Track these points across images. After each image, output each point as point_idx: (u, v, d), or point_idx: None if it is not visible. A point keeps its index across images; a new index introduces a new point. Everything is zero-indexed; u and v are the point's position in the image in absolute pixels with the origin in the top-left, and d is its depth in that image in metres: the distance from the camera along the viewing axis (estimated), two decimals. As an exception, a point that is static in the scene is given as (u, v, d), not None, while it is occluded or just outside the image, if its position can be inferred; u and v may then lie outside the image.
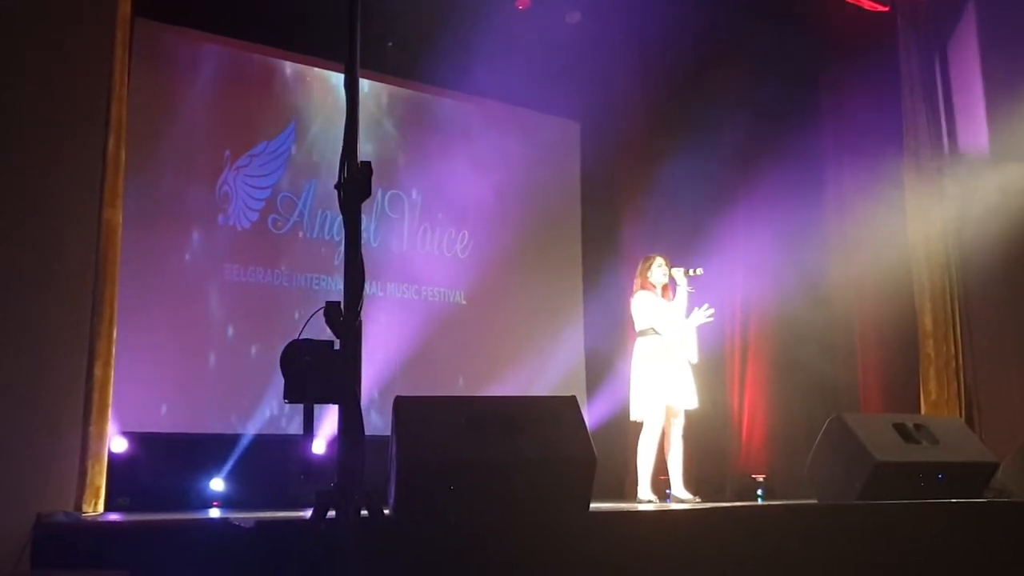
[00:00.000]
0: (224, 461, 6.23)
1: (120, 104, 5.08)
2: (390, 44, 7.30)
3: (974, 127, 6.29)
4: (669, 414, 5.80)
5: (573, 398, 3.71)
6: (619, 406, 6.11)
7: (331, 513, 2.40)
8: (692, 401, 5.85)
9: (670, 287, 5.98)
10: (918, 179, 6.42)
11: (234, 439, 6.34)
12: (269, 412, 6.56)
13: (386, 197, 7.46)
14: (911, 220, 6.43)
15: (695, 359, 5.88)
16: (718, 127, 7.71)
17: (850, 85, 7.16)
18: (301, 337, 2.56)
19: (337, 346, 2.49)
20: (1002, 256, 6.11)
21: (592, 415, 7.29)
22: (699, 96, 7.78)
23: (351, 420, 2.42)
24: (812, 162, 7.26)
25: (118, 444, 5.83)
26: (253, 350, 6.59)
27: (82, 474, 4.58)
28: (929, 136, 6.43)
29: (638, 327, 5.93)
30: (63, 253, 4.23)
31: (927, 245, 6.34)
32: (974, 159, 6.27)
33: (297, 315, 6.75)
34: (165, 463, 6.01)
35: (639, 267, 6.05)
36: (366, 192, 2.50)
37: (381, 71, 7.44)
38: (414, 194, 7.65)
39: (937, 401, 6.14)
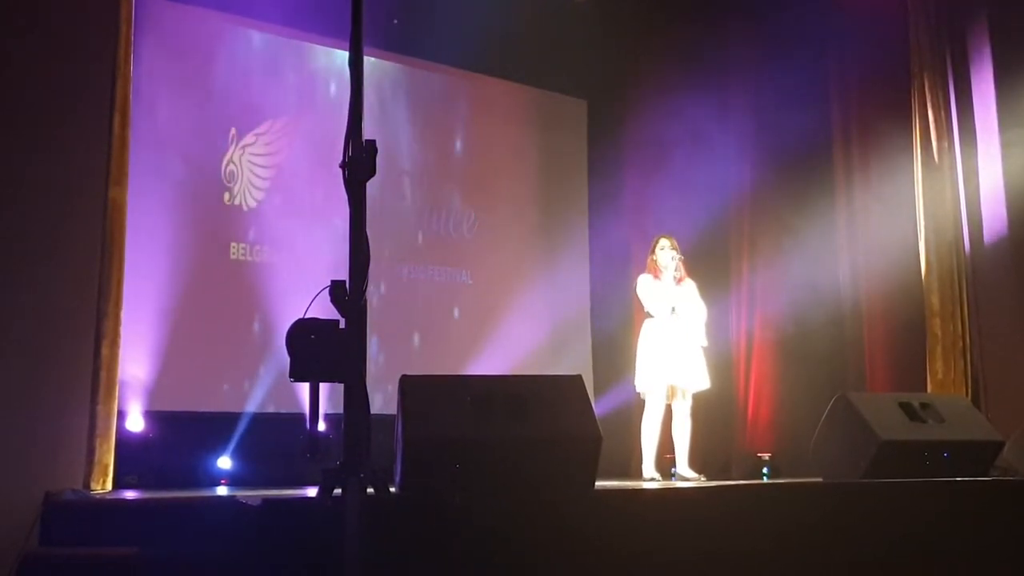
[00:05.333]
0: (231, 440, 6.26)
1: (125, 82, 5.08)
2: (395, 21, 7.27)
3: (984, 104, 6.23)
4: (673, 394, 5.83)
5: (579, 377, 3.71)
6: (625, 385, 6.13)
7: (337, 491, 2.41)
8: (702, 382, 5.88)
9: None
10: (927, 157, 6.37)
11: (241, 418, 6.37)
12: (276, 391, 6.57)
13: (391, 176, 7.43)
14: (919, 198, 6.39)
15: (704, 342, 5.91)
16: (726, 104, 7.66)
17: (859, 61, 7.09)
18: (306, 316, 2.56)
19: (342, 325, 2.49)
20: (1011, 235, 6.07)
21: (598, 394, 7.31)
22: (706, 72, 7.73)
23: (356, 398, 2.43)
24: (819, 139, 7.20)
25: (134, 423, 5.87)
26: (259, 329, 6.60)
27: (90, 452, 4.62)
28: (939, 113, 6.37)
29: (644, 308, 5.99)
30: (69, 232, 4.24)
31: (935, 223, 6.30)
32: (984, 136, 6.22)
33: (303, 294, 6.74)
34: (173, 442, 6.04)
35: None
36: (371, 171, 2.50)
37: (386, 49, 7.40)
38: (420, 173, 7.62)
39: (943, 380, 6.11)
